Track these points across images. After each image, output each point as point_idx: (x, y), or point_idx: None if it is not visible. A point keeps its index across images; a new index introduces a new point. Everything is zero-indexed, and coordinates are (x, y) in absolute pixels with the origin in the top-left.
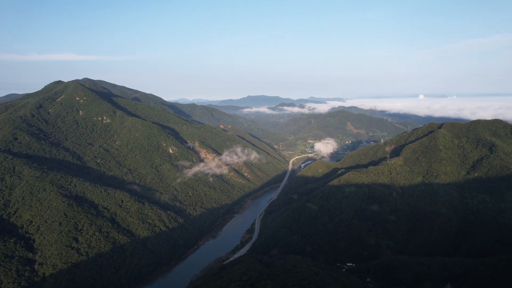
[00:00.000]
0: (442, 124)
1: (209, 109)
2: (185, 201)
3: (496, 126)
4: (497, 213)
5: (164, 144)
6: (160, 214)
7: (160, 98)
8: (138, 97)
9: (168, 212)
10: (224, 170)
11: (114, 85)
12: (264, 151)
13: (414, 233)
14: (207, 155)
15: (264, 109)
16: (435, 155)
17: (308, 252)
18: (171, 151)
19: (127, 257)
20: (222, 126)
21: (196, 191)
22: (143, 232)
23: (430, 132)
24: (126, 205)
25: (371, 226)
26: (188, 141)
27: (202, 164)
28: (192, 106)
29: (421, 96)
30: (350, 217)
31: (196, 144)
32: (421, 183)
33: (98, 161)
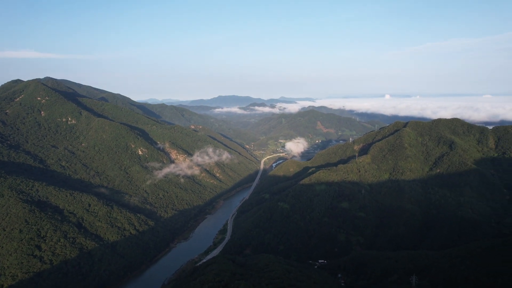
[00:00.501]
0: (407, 123)
1: (180, 109)
2: (155, 203)
3: (455, 124)
4: (456, 207)
5: (133, 146)
6: (130, 217)
7: (129, 98)
8: (105, 97)
9: (138, 215)
10: (196, 171)
11: (80, 85)
12: (236, 151)
13: (382, 229)
14: (178, 156)
15: (235, 109)
16: (401, 152)
17: (281, 251)
18: (140, 152)
19: (96, 263)
20: (193, 127)
21: (167, 192)
22: (112, 237)
23: (396, 130)
24: (94, 209)
25: (341, 223)
26: (158, 142)
27: (173, 165)
28: (162, 106)
29: (387, 96)
30: (321, 214)
31: (167, 145)
32: (388, 180)
33: (63, 164)
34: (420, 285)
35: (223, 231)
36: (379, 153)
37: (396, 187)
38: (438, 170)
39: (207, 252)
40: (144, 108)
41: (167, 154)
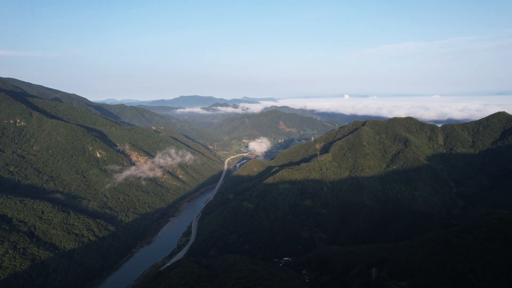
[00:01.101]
0: (365, 122)
1: (140, 110)
2: (116, 208)
3: (409, 123)
4: (411, 201)
5: (90, 148)
6: (89, 223)
7: (85, 99)
8: (59, 98)
9: (97, 220)
10: (158, 173)
11: (29, 84)
12: (199, 152)
13: (343, 224)
14: (139, 158)
15: (197, 109)
16: (360, 150)
17: (246, 250)
18: (98, 155)
19: (50, 273)
20: (154, 128)
21: (128, 196)
22: (69, 244)
23: (355, 129)
24: (48, 216)
25: (305, 220)
26: (118, 144)
27: (133, 167)
28: (121, 107)
29: (346, 96)
30: (285, 213)
31: (127, 147)
32: (348, 177)
33: (11, 169)
34: (380, 276)
35: (188, 233)
36: (339, 152)
37: (356, 184)
38: (395, 167)
39: (171, 256)
40: (102, 109)
41: (127, 156)
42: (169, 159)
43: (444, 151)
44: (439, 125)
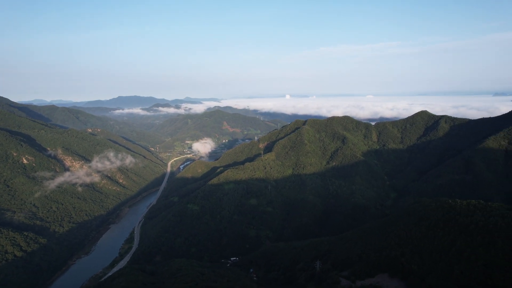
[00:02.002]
0: (305, 121)
1: (74, 111)
2: (48, 218)
3: (346, 121)
4: (350, 195)
5: (15, 154)
6: (14, 237)
7: (7, 99)
8: None
9: (25, 233)
10: (96, 178)
11: None
12: (140, 155)
13: (288, 221)
14: (74, 163)
15: (137, 110)
16: (302, 148)
17: (193, 253)
18: (25, 161)
19: None
20: (90, 130)
21: (62, 204)
22: None
23: (297, 128)
24: None
25: (251, 219)
26: (49, 149)
27: (67, 173)
28: (52, 108)
29: (287, 96)
30: (231, 213)
31: (59, 151)
32: (291, 174)
33: None
34: (324, 268)
35: (130, 240)
36: (282, 150)
37: (299, 181)
38: (334, 163)
39: (112, 265)
40: (28, 111)
41: (60, 162)
42: (107, 163)
43: (378, 147)
44: (373, 123)
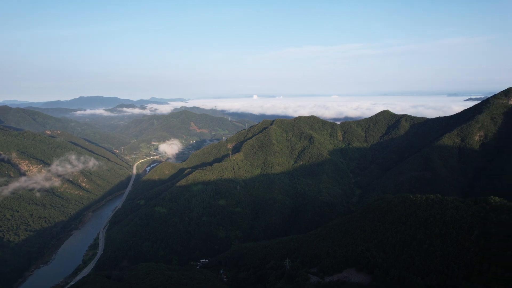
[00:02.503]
0: (273, 121)
1: (30, 113)
2: (1, 227)
3: (312, 121)
4: (317, 193)
5: None
6: None
7: None
8: None
9: None
10: (56, 183)
11: None
12: (104, 157)
13: (257, 221)
14: (31, 167)
15: (100, 111)
16: (270, 148)
17: (161, 257)
18: None
19: None
20: (49, 132)
21: (17, 211)
22: None
23: (264, 128)
24: None
25: (220, 220)
26: (1, 152)
27: (23, 178)
28: (4, 109)
29: (255, 97)
30: (199, 214)
31: (14, 155)
32: (260, 174)
33: None
34: (293, 266)
35: (95, 246)
36: (250, 150)
37: (267, 181)
38: (301, 162)
39: (75, 273)
40: None
41: (15, 166)
42: (69, 166)
43: (343, 146)
44: (338, 123)
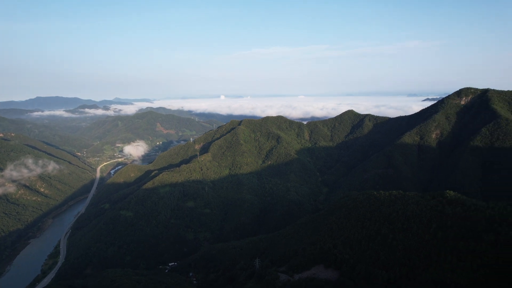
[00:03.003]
0: (241, 121)
1: None
2: None
3: (279, 121)
4: (285, 192)
5: None
6: None
7: None
8: None
9: None
10: (10, 189)
11: None
12: (65, 160)
13: (227, 221)
14: None
15: (60, 112)
16: (238, 148)
17: (128, 262)
18: None
19: None
20: (1, 135)
21: None
22: None
23: (232, 129)
24: None
25: (189, 222)
26: None
27: None
28: None
29: (222, 97)
30: (167, 217)
31: None
32: (228, 175)
33: None
34: (263, 265)
35: (55, 254)
36: (218, 151)
37: (236, 181)
38: (270, 162)
39: (33, 284)
40: None
41: None
42: (25, 171)
43: (310, 145)
44: (305, 123)
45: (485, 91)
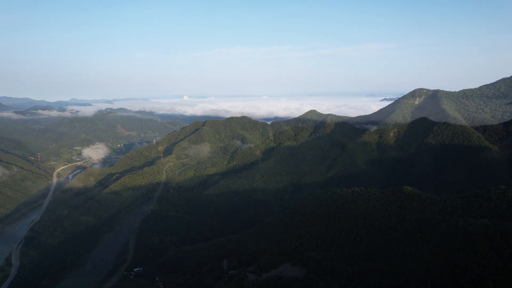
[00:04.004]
0: (205, 122)
1: None
2: None
3: (244, 121)
4: (251, 192)
5: None
6: None
7: None
8: None
9: None
10: None
11: None
12: (16, 165)
13: (193, 223)
14: None
15: (9, 114)
16: (201, 149)
17: (90, 270)
18: None
19: None
20: None
21: None
22: None
23: (196, 129)
24: None
25: (153, 225)
26: None
27: None
28: None
29: (185, 97)
30: (131, 221)
31: None
32: (193, 176)
33: None
34: (231, 266)
35: (6, 266)
36: (181, 152)
37: (201, 182)
38: (235, 162)
39: None
40: None
41: None
42: None
43: (274, 145)
44: (269, 122)
45: (436, 92)
